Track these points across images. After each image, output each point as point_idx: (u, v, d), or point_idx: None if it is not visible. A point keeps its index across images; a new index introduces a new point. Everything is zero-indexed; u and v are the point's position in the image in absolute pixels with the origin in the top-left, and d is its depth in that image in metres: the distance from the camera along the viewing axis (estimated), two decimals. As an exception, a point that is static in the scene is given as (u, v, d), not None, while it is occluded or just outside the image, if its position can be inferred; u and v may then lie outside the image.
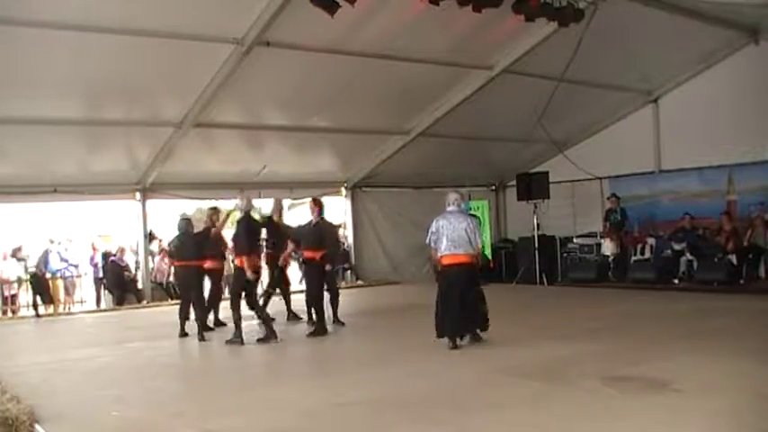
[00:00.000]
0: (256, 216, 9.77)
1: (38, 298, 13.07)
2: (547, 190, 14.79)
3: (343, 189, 15.85)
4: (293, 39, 10.17)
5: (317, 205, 9.63)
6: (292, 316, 10.55)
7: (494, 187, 18.20)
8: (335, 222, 11.32)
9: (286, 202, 14.38)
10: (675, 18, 11.32)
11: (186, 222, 9.83)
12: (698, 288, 12.40)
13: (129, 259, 14.72)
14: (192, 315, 9.60)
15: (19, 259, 14.27)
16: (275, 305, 10.44)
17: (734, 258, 12.67)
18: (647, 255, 14.29)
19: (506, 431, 4.85)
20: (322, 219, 9.68)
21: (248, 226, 8.97)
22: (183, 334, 9.50)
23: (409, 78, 12.09)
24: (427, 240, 8.02)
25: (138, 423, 5.38)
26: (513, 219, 17.59)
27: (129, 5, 8.84)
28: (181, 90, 11.00)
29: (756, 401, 5.26)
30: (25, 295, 14.24)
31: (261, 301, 9.83)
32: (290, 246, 9.95)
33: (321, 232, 9.55)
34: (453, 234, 7.77)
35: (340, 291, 10.34)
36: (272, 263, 10.30)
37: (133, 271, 14.52)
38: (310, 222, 9.72)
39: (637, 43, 12.43)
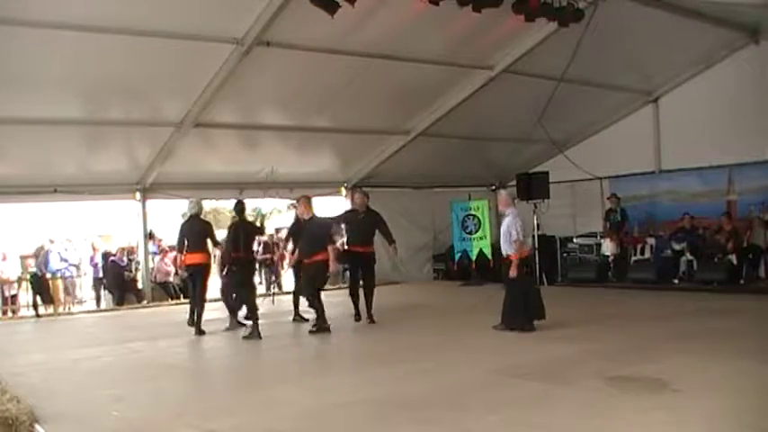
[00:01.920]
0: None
1: (38, 298, 13.07)
2: (547, 190, 14.74)
3: (343, 189, 15.84)
4: (293, 39, 10.17)
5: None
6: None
7: (494, 187, 18.18)
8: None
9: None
10: (675, 18, 11.33)
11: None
12: (698, 288, 12.40)
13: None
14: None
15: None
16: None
17: (734, 258, 12.69)
18: (647, 255, 14.30)
19: (507, 431, 4.85)
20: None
21: (195, 227, 9.61)
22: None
23: (409, 78, 12.10)
24: (520, 236, 8.59)
25: (138, 423, 5.37)
26: (514, 219, 17.55)
27: (129, 5, 8.84)
28: (181, 90, 10.99)
29: (756, 401, 5.26)
30: (25, 295, 14.23)
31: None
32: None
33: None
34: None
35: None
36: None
37: (132, 270, 14.52)
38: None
39: (637, 43, 12.42)
